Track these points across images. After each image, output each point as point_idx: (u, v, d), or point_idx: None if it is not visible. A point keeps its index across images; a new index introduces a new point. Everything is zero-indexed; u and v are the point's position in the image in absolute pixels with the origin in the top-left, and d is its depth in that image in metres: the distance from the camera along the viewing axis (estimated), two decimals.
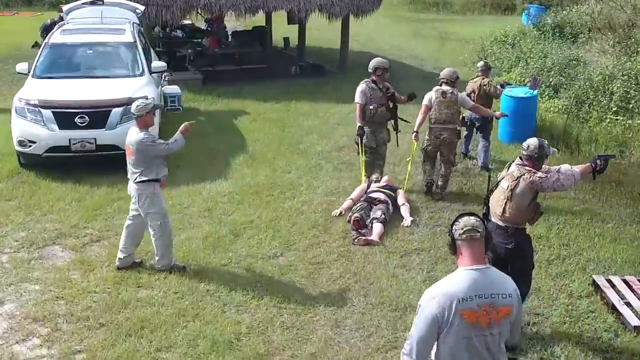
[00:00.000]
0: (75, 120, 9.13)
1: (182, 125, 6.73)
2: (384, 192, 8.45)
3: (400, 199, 8.49)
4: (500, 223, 5.56)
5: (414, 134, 8.91)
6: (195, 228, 7.80)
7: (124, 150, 6.54)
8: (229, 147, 10.88)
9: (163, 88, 13.05)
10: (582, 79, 12.27)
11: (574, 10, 16.24)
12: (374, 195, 8.38)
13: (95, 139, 9.15)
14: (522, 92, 11.60)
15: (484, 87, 10.14)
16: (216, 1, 14.21)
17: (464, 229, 3.54)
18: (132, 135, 6.47)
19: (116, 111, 9.26)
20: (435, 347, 3.54)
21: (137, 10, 12.72)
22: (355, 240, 7.54)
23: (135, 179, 6.50)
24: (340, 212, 8.25)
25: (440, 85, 8.74)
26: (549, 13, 16.61)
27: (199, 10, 14.55)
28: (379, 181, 8.86)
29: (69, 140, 9.11)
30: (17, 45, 18.63)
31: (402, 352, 3.53)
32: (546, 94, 12.77)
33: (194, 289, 6.46)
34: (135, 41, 10.84)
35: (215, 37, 16.85)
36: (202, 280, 6.62)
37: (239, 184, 9.25)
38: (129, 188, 6.69)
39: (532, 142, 5.49)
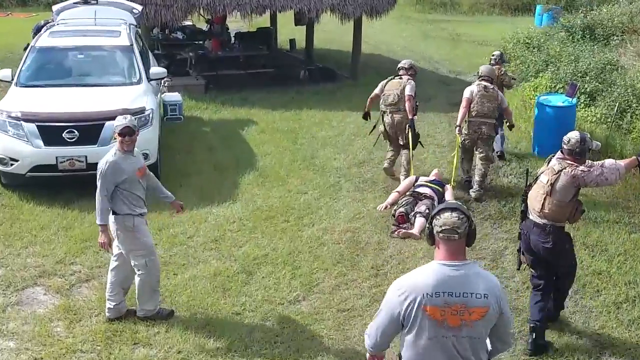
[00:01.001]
0: (63, 135, 8.02)
1: (178, 204, 5.95)
2: (431, 187, 8.24)
3: (448, 195, 8.20)
4: (539, 220, 5.31)
5: (457, 127, 8.81)
6: (201, 264, 6.69)
7: None
8: (237, 163, 9.77)
9: (163, 95, 11.97)
10: (623, 85, 11.14)
11: (604, 10, 15.10)
12: (420, 190, 8.18)
13: (85, 157, 8.03)
14: (559, 100, 10.51)
15: (501, 77, 10.05)
16: (220, 0, 13.10)
17: (442, 228, 3.29)
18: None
19: (110, 125, 8.09)
20: (404, 346, 3.34)
21: (134, 11, 11.59)
22: (395, 233, 7.40)
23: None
24: (386, 207, 8.06)
25: (480, 82, 8.81)
26: (577, 15, 15.45)
27: (201, 11, 13.43)
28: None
29: (56, 158, 8.00)
30: (10, 47, 17.45)
31: (365, 332, 3.52)
32: (582, 101, 11.65)
33: (202, 347, 5.35)
34: (132, 44, 9.71)
35: (218, 39, 15.73)
36: (211, 334, 5.51)
37: (249, 208, 8.14)
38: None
39: (573, 135, 5.26)
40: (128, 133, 5.49)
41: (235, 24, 19.12)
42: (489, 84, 8.75)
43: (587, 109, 11.60)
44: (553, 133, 9.92)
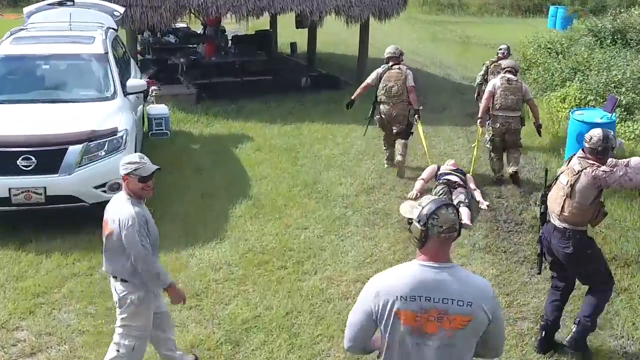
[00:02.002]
0: (18, 162, 6.72)
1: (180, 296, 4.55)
2: (456, 175, 8.31)
3: (471, 184, 8.35)
4: (558, 224, 5.01)
5: (479, 120, 8.97)
6: (177, 329, 5.37)
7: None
8: (228, 189, 8.48)
9: (148, 108, 10.69)
10: None
11: (635, 12, 13.76)
12: (449, 177, 8.22)
13: (45, 188, 6.74)
14: (596, 115, 9.21)
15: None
16: (213, 2, 11.82)
17: (444, 227, 2.97)
18: (117, 204, 4.30)
19: (74, 150, 6.85)
20: (382, 348, 3.06)
21: (115, 13, 10.30)
22: None
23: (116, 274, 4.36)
24: (416, 195, 8.03)
25: (505, 74, 8.79)
26: (606, 17, 14.08)
27: (193, 12, 12.13)
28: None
29: (9, 190, 6.70)
30: None
31: None
32: (617, 115, 10.32)
33: None
34: (107, 52, 8.40)
35: (212, 43, 14.42)
36: None
37: (239, 249, 6.84)
38: (110, 284, 4.45)
39: (596, 133, 4.91)
40: (151, 177, 4.27)
41: (233, 26, 17.89)
42: (512, 76, 8.70)
43: (623, 123, 10.28)
44: None
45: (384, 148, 9.42)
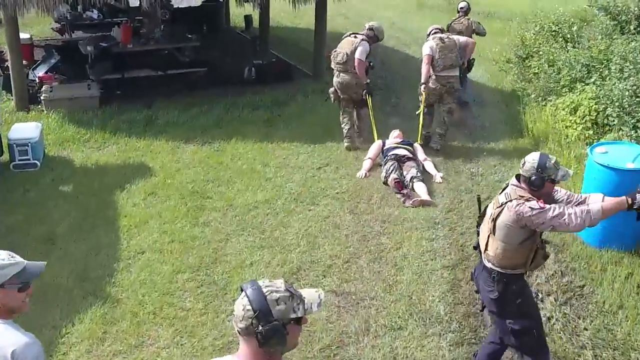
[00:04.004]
0: None
1: None
2: (404, 148, 8.10)
3: (421, 154, 8.21)
4: (485, 263, 4.21)
5: (423, 85, 8.57)
6: None
7: None
8: (80, 283, 5.69)
9: (12, 128, 7.94)
10: None
11: None
12: (397, 152, 7.98)
13: None
14: (626, 154, 6.38)
15: (472, 28, 10.31)
16: None
17: None
18: None
19: None
20: None
21: None
22: (409, 203, 7.11)
23: None
24: (365, 174, 7.88)
25: (435, 35, 8.65)
26: None
27: None
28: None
29: None
30: None
31: None
32: None
33: None
34: None
35: (128, 25, 11.35)
36: None
37: None
38: None
39: (531, 158, 4.04)
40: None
41: None
42: (442, 35, 8.67)
43: None
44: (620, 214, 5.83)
45: (344, 120, 8.75)
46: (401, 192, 7.33)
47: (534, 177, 4.00)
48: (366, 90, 8.46)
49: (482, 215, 4.33)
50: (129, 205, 7.03)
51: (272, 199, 7.22)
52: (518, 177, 4.12)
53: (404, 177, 7.57)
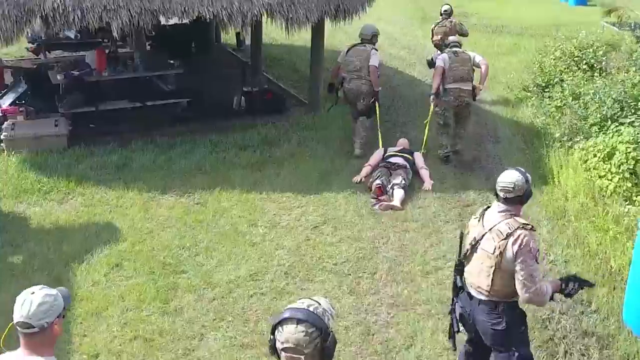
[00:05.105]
0: None
1: None
2: (402, 156, 8.19)
3: (419, 162, 8.24)
4: (484, 297, 4.08)
5: (432, 96, 8.63)
6: None
7: None
8: None
9: None
10: None
11: None
12: (392, 160, 8.11)
13: None
14: None
15: (456, 28, 10.67)
16: (75, 4, 7.69)
17: (284, 346, 2.60)
18: None
19: None
20: None
21: None
22: (377, 207, 7.36)
23: None
24: (361, 180, 7.95)
25: (451, 49, 8.66)
26: None
27: (43, 20, 7.85)
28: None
29: None
30: None
31: None
32: None
33: None
34: None
35: (103, 49, 10.20)
36: None
37: None
38: None
39: (514, 178, 4.00)
40: None
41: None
42: (458, 49, 8.67)
43: None
44: None
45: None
46: (378, 197, 7.49)
47: (527, 191, 4.03)
48: (375, 98, 8.61)
49: (466, 255, 4.17)
50: (87, 283, 5.89)
51: (259, 273, 6.08)
52: (506, 200, 4.00)
53: (389, 184, 7.64)
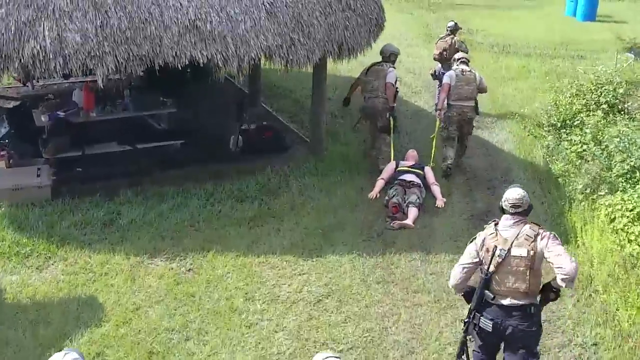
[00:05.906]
0: None
1: None
2: (414, 172, 8.45)
3: (430, 178, 8.50)
4: (518, 302, 4.52)
5: (438, 111, 9.12)
6: None
7: None
8: None
9: None
10: None
11: None
12: (405, 177, 8.37)
13: None
14: None
15: (455, 46, 10.98)
16: (57, 51, 7.07)
17: None
18: None
19: None
20: None
21: None
22: (390, 224, 7.67)
23: None
24: (376, 196, 8.26)
25: (459, 65, 9.15)
26: None
27: (20, 70, 7.22)
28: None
29: None
30: None
31: None
32: None
33: None
34: None
35: (91, 88, 9.56)
36: None
37: None
38: None
39: (519, 194, 4.66)
40: None
41: None
42: (466, 67, 9.07)
43: None
44: None
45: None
46: (394, 215, 7.81)
47: (530, 204, 4.72)
48: (390, 114, 8.96)
49: (498, 265, 4.51)
50: None
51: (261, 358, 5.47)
52: (517, 213, 4.60)
53: (405, 202, 7.96)
